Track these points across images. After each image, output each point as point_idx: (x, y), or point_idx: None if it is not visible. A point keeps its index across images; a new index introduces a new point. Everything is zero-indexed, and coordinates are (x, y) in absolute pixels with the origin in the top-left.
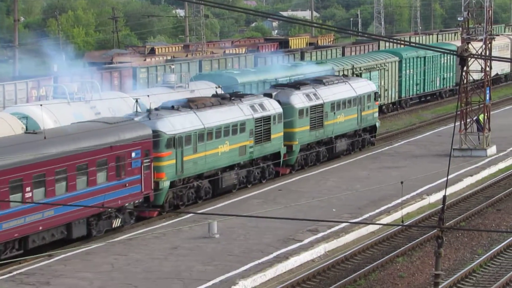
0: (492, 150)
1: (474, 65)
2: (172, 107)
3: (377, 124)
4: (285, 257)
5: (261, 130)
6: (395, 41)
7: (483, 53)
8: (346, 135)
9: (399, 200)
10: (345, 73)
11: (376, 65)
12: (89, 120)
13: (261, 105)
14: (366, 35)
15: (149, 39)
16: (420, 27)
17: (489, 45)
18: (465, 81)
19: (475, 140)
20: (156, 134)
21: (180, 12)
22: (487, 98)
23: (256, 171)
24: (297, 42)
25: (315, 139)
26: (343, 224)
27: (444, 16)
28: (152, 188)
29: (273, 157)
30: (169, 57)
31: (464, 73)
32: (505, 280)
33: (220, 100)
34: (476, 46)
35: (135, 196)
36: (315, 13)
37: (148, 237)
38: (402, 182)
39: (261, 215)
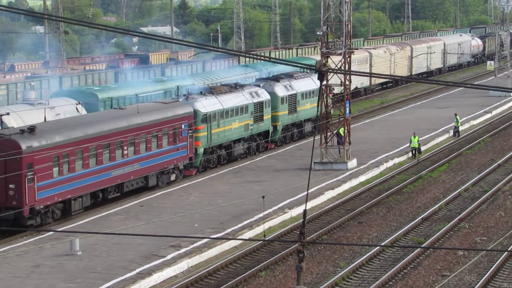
0: (352, 163)
1: (334, 79)
2: (201, 93)
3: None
4: (148, 273)
5: (257, 112)
6: (254, 56)
7: (342, 67)
8: (310, 119)
9: (261, 215)
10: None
11: (236, 79)
12: (149, 101)
13: (256, 93)
14: (225, 51)
15: (8, 56)
16: (280, 42)
17: (348, 59)
18: (324, 95)
19: (336, 153)
20: (194, 111)
21: (40, 29)
22: (347, 111)
23: (253, 144)
24: (158, 57)
25: (291, 121)
26: (206, 240)
27: (304, 31)
28: (194, 152)
29: (264, 134)
30: (29, 74)
31: (323, 87)
32: None
33: (230, 88)
34: (335, 60)
35: (184, 157)
36: (175, 29)
37: (9, 255)
38: (263, 197)
39: (123, 232)
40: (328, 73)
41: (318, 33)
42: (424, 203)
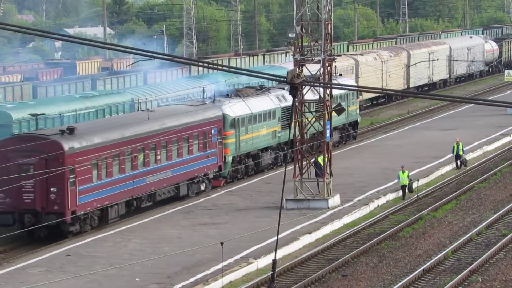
0: (335, 200)
1: (311, 93)
2: (227, 95)
3: (359, 119)
4: None
5: (285, 117)
6: (209, 65)
7: (321, 79)
8: (337, 128)
9: (219, 266)
10: (148, 106)
11: (187, 94)
12: (175, 103)
13: (283, 96)
14: (172, 59)
15: None
16: (242, 47)
17: (329, 68)
18: (298, 114)
19: (314, 188)
20: (223, 116)
21: None
22: (328, 135)
23: (281, 154)
24: (87, 66)
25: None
26: None
27: (272, 32)
28: (223, 160)
29: (290, 143)
30: None
31: (296, 104)
32: None
33: (256, 91)
34: (312, 70)
35: (213, 166)
36: (109, 30)
37: None
38: (222, 243)
39: None
40: (303, 86)
41: (290, 35)
42: (426, 251)
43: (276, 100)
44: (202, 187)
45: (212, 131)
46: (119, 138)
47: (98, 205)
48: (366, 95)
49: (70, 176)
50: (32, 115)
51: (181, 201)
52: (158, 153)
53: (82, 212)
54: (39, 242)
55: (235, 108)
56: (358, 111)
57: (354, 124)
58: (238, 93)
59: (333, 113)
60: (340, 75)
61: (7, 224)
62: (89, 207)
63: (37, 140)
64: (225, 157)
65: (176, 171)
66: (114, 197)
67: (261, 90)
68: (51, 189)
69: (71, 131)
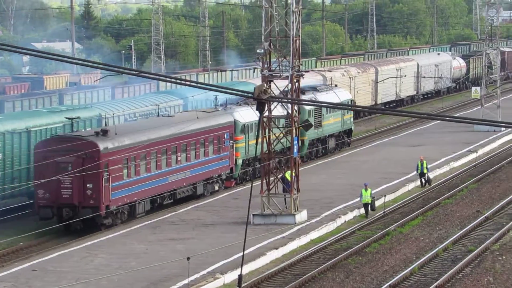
0: (302, 216)
1: (279, 108)
2: (237, 103)
3: (353, 127)
4: None
5: (287, 125)
6: (176, 81)
7: (288, 94)
8: (333, 135)
9: (185, 281)
10: (116, 121)
11: (155, 110)
12: (190, 110)
13: (286, 105)
14: (140, 74)
15: None
16: (210, 62)
17: (297, 84)
18: (266, 130)
19: (281, 203)
20: (234, 121)
21: None
22: (295, 150)
23: (283, 159)
24: (55, 81)
25: (316, 136)
26: None
27: (240, 48)
28: (234, 163)
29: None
30: None
31: (263, 120)
32: None
33: None
34: (281, 86)
35: (226, 168)
36: (77, 45)
37: None
38: (188, 258)
39: None
40: (271, 102)
41: (258, 51)
42: (392, 266)
43: (280, 108)
44: (216, 187)
45: (225, 135)
46: (146, 140)
47: (128, 201)
48: None
49: (105, 174)
50: (68, 118)
51: (149, 216)
52: (179, 154)
53: (115, 207)
54: (77, 234)
55: (244, 115)
56: (352, 119)
57: (349, 132)
58: (246, 100)
59: (332, 121)
60: (335, 85)
61: (46, 218)
62: (120, 202)
63: (75, 141)
64: (235, 159)
65: (194, 171)
66: (141, 194)
67: None
68: (88, 185)
69: (104, 132)
